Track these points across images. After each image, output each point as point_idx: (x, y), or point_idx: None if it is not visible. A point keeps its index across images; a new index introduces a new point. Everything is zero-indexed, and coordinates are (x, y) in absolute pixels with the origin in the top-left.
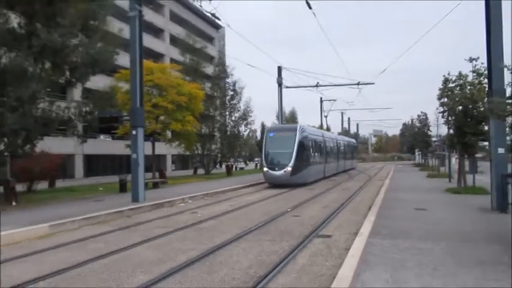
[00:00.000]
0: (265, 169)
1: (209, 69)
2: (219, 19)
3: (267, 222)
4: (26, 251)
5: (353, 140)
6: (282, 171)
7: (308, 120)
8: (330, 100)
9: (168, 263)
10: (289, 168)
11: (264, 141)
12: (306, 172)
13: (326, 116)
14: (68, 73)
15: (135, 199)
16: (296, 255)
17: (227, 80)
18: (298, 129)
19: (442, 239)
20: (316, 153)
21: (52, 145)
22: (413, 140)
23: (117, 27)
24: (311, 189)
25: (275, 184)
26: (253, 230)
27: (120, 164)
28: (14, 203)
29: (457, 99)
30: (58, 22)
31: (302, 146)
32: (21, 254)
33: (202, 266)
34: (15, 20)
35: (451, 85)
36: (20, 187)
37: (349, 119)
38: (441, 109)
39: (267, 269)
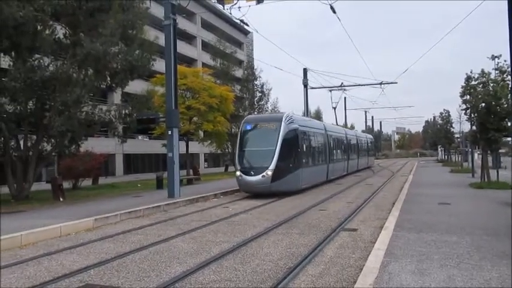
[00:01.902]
0: (237, 173)
1: (238, 73)
2: (247, 25)
3: (296, 216)
4: (74, 242)
5: (369, 136)
6: (259, 176)
7: (332, 119)
8: (339, 88)
9: (203, 255)
10: (269, 172)
11: (238, 136)
12: (296, 176)
13: (335, 108)
14: (108, 79)
15: (171, 195)
16: (324, 248)
17: (255, 82)
18: (283, 119)
19: (467, 233)
20: (313, 151)
21: (95, 145)
22: (435, 136)
23: (153, 35)
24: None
25: (252, 193)
26: (282, 223)
27: (157, 162)
28: (61, 199)
29: (479, 96)
30: (100, 32)
31: (290, 142)
32: (70, 245)
33: (235, 258)
34: (61, 31)
35: (473, 83)
36: (66, 184)
37: (372, 117)
38: (464, 106)
39: (296, 261)
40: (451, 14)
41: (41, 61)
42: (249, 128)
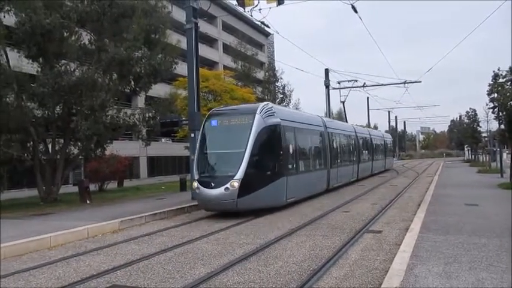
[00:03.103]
0: (194, 184)
1: (260, 75)
2: (268, 27)
3: (317, 218)
4: (101, 244)
5: (387, 135)
6: (221, 189)
7: (355, 120)
8: (349, 80)
9: (227, 256)
10: (234, 183)
11: (200, 135)
12: (277, 187)
13: (343, 102)
14: (132, 83)
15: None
16: (348, 250)
17: (277, 84)
18: (258, 111)
19: (496, 235)
20: (305, 153)
21: (120, 148)
22: (462, 136)
23: (176, 39)
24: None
25: (213, 211)
26: (306, 225)
27: (180, 165)
28: (88, 201)
29: (508, 94)
30: (123, 37)
31: (268, 141)
32: (97, 246)
33: (258, 260)
34: (86, 37)
35: (501, 80)
36: (92, 187)
37: (396, 117)
38: (491, 104)
39: (320, 263)
40: (477, 9)
41: (68, 67)
42: (214, 124)
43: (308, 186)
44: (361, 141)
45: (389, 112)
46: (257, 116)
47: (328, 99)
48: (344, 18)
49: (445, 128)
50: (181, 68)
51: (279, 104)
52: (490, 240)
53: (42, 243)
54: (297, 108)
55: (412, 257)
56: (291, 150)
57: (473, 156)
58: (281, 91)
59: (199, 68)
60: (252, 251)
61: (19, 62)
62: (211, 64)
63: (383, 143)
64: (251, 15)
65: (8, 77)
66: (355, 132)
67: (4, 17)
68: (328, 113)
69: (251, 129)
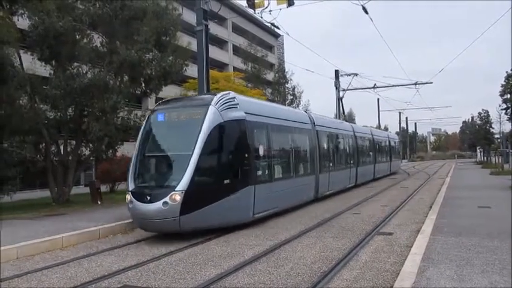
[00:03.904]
0: (128, 198)
1: (269, 76)
2: (278, 28)
3: (328, 219)
4: (112, 244)
5: (393, 135)
6: (158, 204)
7: (366, 121)
8: (349, 74)
9: (237, 258)
10: (176, 196)
11: (141, 132)
12: (241, 199)
13: (341, 98)
14: (143, 85)
15: None
16: (358, 252)
17: (286, 86)
18: (214, 102)
19: (509, 238)
20: (282, 156)
21: (131, 150)
22: (474, 137)
23: (186, 41)
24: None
25: (152, 231)
26: (315, 227)
27: None
28: (99, 202)
29: None
30: (135, 39)
31: (227, 141)
32: (109, 247)
33: (268, 261)
34: (98, 40)
35: None
36: (103, 188)
37: (406, 118)
38: (504, 105)
39: (330, 265)
40: (490, 9)
41: (80, 69)
42: (159, 119)
43: (287, 196)
44: (361, 142)
45: (400, 113)
46: (211, 109)
47: (338, 100)
48: (354, 19)
49: (457, 130)
50: (192, 70)
51: (289, 105)
52: (503, 243)
53: (54, 244)
54: (306, 110)
55: (424, 259)
56: (261, 152)
57: (485, 157)
58: (291, 92)
59: (210, 70)
60: (260, 254)
61: (32, 64)
62: (221, 66)
63: (388, 144)
64: (261, 17)
65: (21, 80)
66: (354, 131)
67: (18, 20)
68: (338, 115)
69: (202, 126)
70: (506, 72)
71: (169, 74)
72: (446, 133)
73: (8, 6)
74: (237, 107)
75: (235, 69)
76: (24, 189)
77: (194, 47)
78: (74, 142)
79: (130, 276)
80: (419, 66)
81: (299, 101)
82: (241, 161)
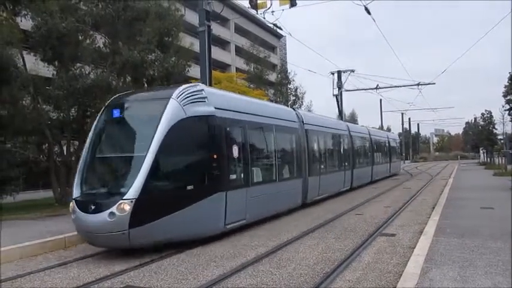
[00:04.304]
0: (71, 207)
1: (272, 77)
2: (280, 29)
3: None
4: None
5: (393, 135)
6: (104, 215)
7: (369, 122)
8: (346, 71)
9: (239, 258)
10: (125, 206)
11: (92, 131)
12: (209, 208)
13: (336, 95)
14: (146, 86)
15: None
16: (361, 253)
17: (289, 86)
18: (176, 95)
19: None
20: (264, 158)
21: None
22: (477, 138)
23: (189, 41)
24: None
25: (99, 246)
26: (317, 228)
27: None
28: None
29: None
30: (137, 40)
31: (190, 140)
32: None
33: (271, 262)
34: (100, 41)
35: None
36: None
37: (409, 119)
38: (507, 106)
39: (333, 266)
40: (493, 10)
41: (82, 70)
42: (114, 115)
43: (268, 203)
44: (357, 142)
45: (402, 114)
46: (172, 103)
47: (341, 100)
48: (357, 20)
49: (460, 130)
50: (194, 71)
51: (291, 106)
52: (506, 244)
53: (57, 244)
54: (309, 111)
55: (427, 260)
56: (235, 153)
57: (488, 158)
58: (293, 93)
59: (212, 71)
60: (262, 254)
61: (35, 65)
62: (223, 66)
63: (387, 144)
64: (264, 18)
65: (24, 80)
66: (349, 131)
67: (21, 21)
68: (341, 116)
69: (159, 122)
70: (510, 73)
71: (172, 75)
72: (449, 134)
73: (11, 7)
74: (205, 101)
75: (237, 70)
76: (27, 190)
77: (197, 47)
78: (77, 142)
79: (132, 276)
80: (422, 66)
81: (301, 102)
82: (208, 164)
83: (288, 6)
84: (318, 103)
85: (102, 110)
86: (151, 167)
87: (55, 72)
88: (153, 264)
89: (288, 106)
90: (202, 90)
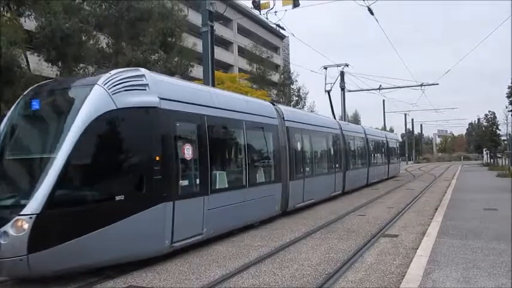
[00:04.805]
0: None
1: (275, 77)
2: (283, 29)
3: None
4: None
5: (392, 135)
6: None
7: (372, 123)
8: (338, 65)
9: (242, 259)
10: (23, 224)
11: (1, 126)
12: (143, 224)
13: (328, 91)
14: None
15: None
16: (363, 254)
17: (292, 87)
18: (103, 81)
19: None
20: (230, 159)
21: None
22: (480, 139)
23: (192, 42)
24: None
25: None
26: (319, 229)
27: None
28: None
29: None
30: (140, 40)
31: (122, 138)
32: None
33: (273, 262)
34: (104, 41)
35: None
36: None
37: (412, 120)
38: (511, 107)
39: (335, 266)
40: (496, 10)
41: (86, 70)
42: (31, 107)
43: (235, 213)
44: (351, 142)
45: (405, 115)
46: (96, 91)
47: (344, 102)
48: (360, 20)
49: (463, 131)
50: (197, 71)
51: (294, 106)
52: (510, 245)
53: None
54: (312, 111)
55: (430, 261)
56: (187, 154)
57: (492, 159)
58: (296, 94)
59: (215, 71)
60: (265, 255)
61: (39, 65)
62: (226, 67)
63: (385, 144)
64: (266, 18)
65: (28, 81)
66: (341, 129)
67: (25, 21)
68: (344, 116)
69: (77, 115)
70: None
71: (175, 75)
72: (453, 135)
73: (15, 8)
74: (145, 89)
75: (240, 70)
76: None
77: (199, 48)
78: None
79: (135, 276)
80: (425, 67)
81: (304, 102)
82: (148, 167)
83: (290, 6)
84: (321, 104)
85: (17, 102)
86: (61, 173)
87: (59, 73)
88: (155, 264)
89: (291, 107)
90: (143, 76)
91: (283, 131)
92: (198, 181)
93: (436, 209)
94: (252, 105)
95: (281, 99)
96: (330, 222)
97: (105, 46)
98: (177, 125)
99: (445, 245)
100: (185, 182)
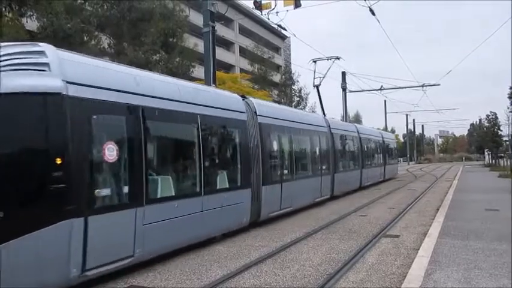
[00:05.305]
0: None
1: (276, 78)
2: (285, 29)
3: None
4: None
5: (388, 134)
6: None
7: (373, 123)
8: (328, 58)
9: (243, 259)
10: None
11: None
12: (37, 247)
13: (317, 86)
14: None
15: None
16: (365, 254)
17: (293, 87)
18: None
19: None
20: (175, 162)
21: None
22: (482, 140)
23: (193, 42)
24: None
25: None
26: (321, 229)
27: None
28: None
29: None
30: (142, 41)
31: (8, 134)
32: None
33: (275, 262)
34: (105, 41)
35: None
36: None
37: (414, 120)
38: None
39: (336, 267)
40: (497, 10)
41: None
42: None
43: (185, 228)
44: (340, 142)
45: (407, 115)
46: None
47: (345, 102)
48: (362, 21)
49: (465, 132)
50: (198, 71)
51: (295, 107)
52: (511, 246)
53: None
54: (313, 111)
55: (431, 262)
56: (109, 156)
57: (493, 160)
58: (297, 94)
59: (216, 71)
60: (266, 255)
61: None
62: (228, 67)
63: (381, 144)
64: (268, 18)
65: None
66: (329, 127)
67: (27, 21)
68: (345, 117)
69: None
70: None
71: (176, 75)
72: (454, 135)
73: (17, 8)
74: (45, 70)
75: (241, 70)
76: None
77: (201, 48)
78: None
79: (136, 276)
80: (426, 67)
81: (306, 103)
82: (43, 174)
83: (292, 6)
84: (324, 104)
85: None
86: None
87: None
88: (156, 264)
89: (292, 107)
90: (43, 52)
91: (255, 128)
92: (126, 189)
93: (438, 209)
94: (210, 96)
95: (282, 100)
96: (331, 222)
97: (106, 46)
98: (94, 118)
99: (446, 246)
100: (105, 191)
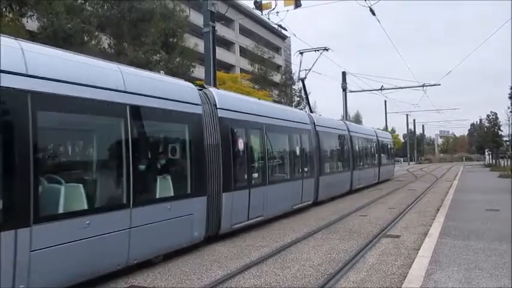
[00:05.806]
0: None
1: (276, 78)
2: (285, 29)
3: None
4: None
5: (384, 133)
6: None
7: (373, 123)
8: (317, 49)
9: (243, 259)
10: None
11: None
12: None
13: (303, 79)
14: None
15: None
16: (365, 254)
17: (293, 87)
18: None
19: None
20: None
21: None
22: (482, 140)
23: (193, 42)
24: None
25: None
26: (321, 229)
27: None
28: None
29: None
30: (142, 41)
31: None
32: None
33: (275, 262)
34: (106, 41)
35: None
36: None
37: (414, 120)
38: None
39: (337, 267)
40: (498, 10)
41: None
42: None
43: (101, 252)
44: (327, 141)
45: (407, 115)
46: None
47: (346, 102)
48: (363, 21)
49: (465, 132)
50: (199, 71)
51: (296, 107)
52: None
53: None
54: (312, 111)
55: (431, 262)
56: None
57: (494, 160)
58: (298, 94)
59: (217, 71)
60: (266, 255)
61: None
62: (228, 67)
63: (376, 144)
64: (268, 18)
65: None
66: (314, 125)
67: (27, 21)
68: (345, 117)
69: None
70: None
71: (176, 76)
72: (454, 135)
73: (17, 8)
74: None
75: (242, 70)
76: None
77: (201, 48)
78: None
79: (137, 276)
80: (427, 67)
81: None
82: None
83: (292, 6)
84: (323, 104)
85: None
86: None
87: None
88: (156, 264)
89: (292, 107)
90: None
91: (214, 124)
92: (24, 202)
93: (438, 209)
94: (147, 84)
95: (283, 100)
96: (331, 223)
97: (107, 46)
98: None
99: (446, 246)
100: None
